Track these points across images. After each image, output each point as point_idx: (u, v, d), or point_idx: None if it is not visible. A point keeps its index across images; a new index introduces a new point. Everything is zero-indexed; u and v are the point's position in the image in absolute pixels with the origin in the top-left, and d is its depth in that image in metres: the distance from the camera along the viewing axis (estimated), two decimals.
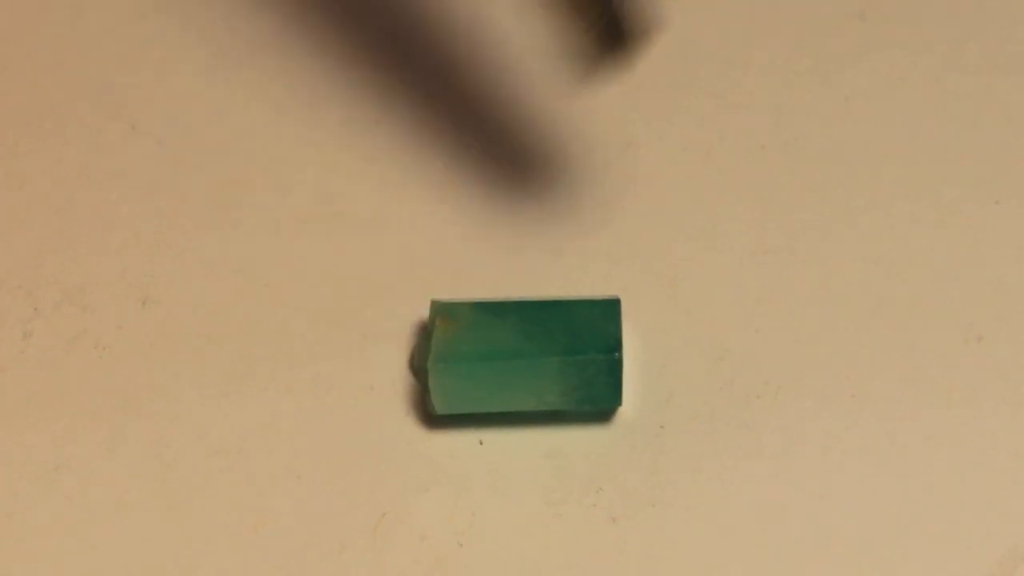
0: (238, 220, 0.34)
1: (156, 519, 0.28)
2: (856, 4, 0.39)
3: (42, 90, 0.38)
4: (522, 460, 0.28)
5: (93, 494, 0.29)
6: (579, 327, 0.28)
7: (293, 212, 0.34)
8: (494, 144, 0.34)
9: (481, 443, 0.29)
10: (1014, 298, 0.31)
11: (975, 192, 0.33)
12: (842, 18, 0.38)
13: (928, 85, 0.36)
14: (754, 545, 0.27)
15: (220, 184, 0.35)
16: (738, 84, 0.37)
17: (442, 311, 0.29)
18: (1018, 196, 0.33)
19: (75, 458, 0.29)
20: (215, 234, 0.34)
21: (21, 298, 0.33)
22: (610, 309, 0.29)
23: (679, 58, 0.38)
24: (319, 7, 0.40)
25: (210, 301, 0.32)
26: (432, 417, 0.29)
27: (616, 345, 0.28)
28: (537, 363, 0.28)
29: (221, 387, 0.30)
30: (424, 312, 0.31)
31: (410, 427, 0.29)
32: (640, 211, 0.33)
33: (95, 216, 0.34)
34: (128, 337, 0.32)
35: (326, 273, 0.32)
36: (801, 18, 0.39)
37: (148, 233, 0.34)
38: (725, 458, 0.28)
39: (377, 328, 0.31)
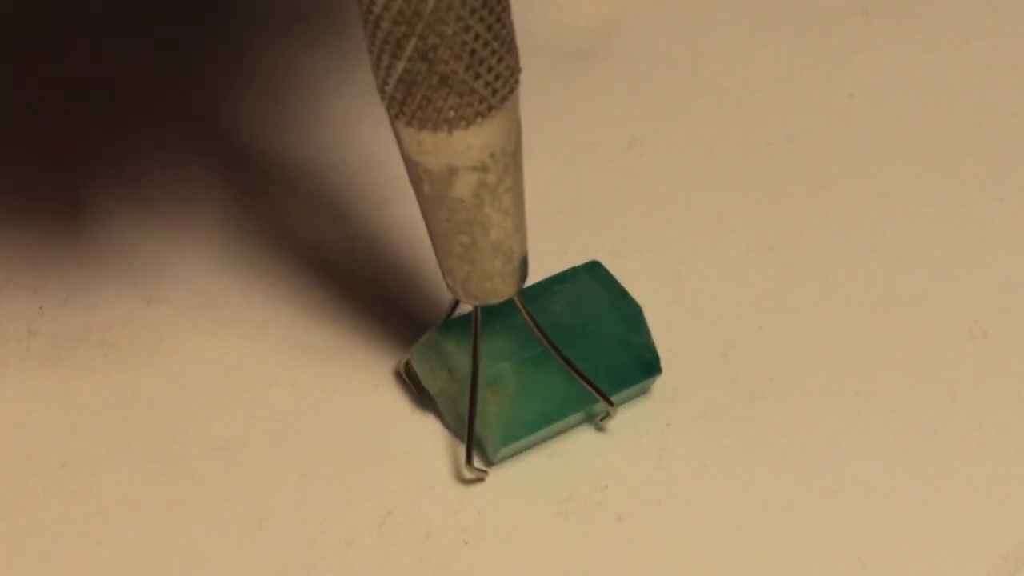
0: (243, 219, 0.34)
1: (161, 516, 0.28)
2: (860, 0, 0.39)
3: (45, 88, 0.38)
4: (528, 458, 0.28)
5: (98, 492, 0.29)
6: (615, 350, 0.28)
7: (298, 211, 0.34)
8: None
9: None
10: (1019, 295, 0.31)
11: (980, 189, 0.33)
12: (846, 14, 0.38)
13: (932, 81, 0.36)
14: (760, 542, 0.27)
15: (224, 183, 0.35)
16: (742, 80, 0.37)
17: (489, 379, 0.27)
18: (1023, 193, 0.33)
19: (80, 456, 0.29)
20: (220, 233, 0.34)
21: (26, 296, 0.33)
22: (635, 320, 0.28)
23: (683, 54, 0.38)
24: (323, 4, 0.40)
25: (215, 299, 0.32)
26: (435, 414, 0.29)
27: (655, 361, 0.28)
28: (589, 405, 0.28)
29: (226, 385, 0.30)
30: (424, 310, 0.31)
31: (416, 424, 0.29)
32: (644, 208, 0.33)
33: (100, 214, 0.34)
34: (133, 336, 0.32)
35: (331, 271, 0.32)
36: (805, 14, 0.39)
37: (153, 232, 0.34)
38: (730, 455, 0.28)
39: (382, 326, 0.31)
